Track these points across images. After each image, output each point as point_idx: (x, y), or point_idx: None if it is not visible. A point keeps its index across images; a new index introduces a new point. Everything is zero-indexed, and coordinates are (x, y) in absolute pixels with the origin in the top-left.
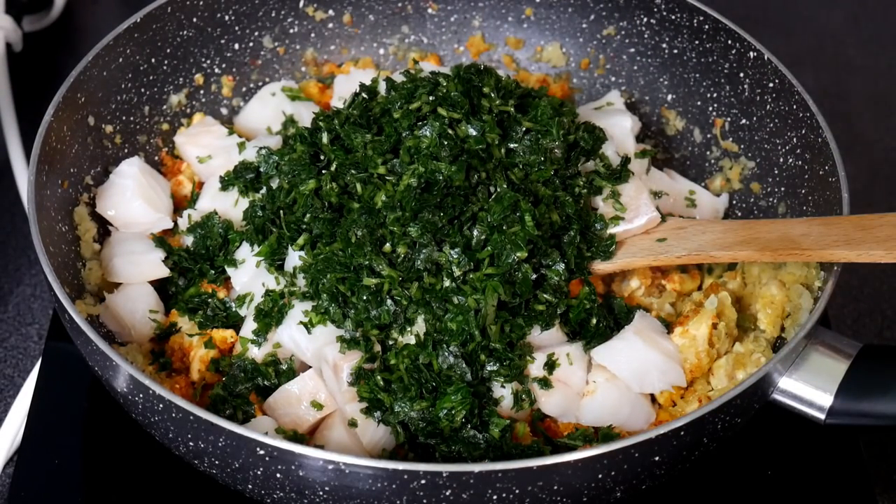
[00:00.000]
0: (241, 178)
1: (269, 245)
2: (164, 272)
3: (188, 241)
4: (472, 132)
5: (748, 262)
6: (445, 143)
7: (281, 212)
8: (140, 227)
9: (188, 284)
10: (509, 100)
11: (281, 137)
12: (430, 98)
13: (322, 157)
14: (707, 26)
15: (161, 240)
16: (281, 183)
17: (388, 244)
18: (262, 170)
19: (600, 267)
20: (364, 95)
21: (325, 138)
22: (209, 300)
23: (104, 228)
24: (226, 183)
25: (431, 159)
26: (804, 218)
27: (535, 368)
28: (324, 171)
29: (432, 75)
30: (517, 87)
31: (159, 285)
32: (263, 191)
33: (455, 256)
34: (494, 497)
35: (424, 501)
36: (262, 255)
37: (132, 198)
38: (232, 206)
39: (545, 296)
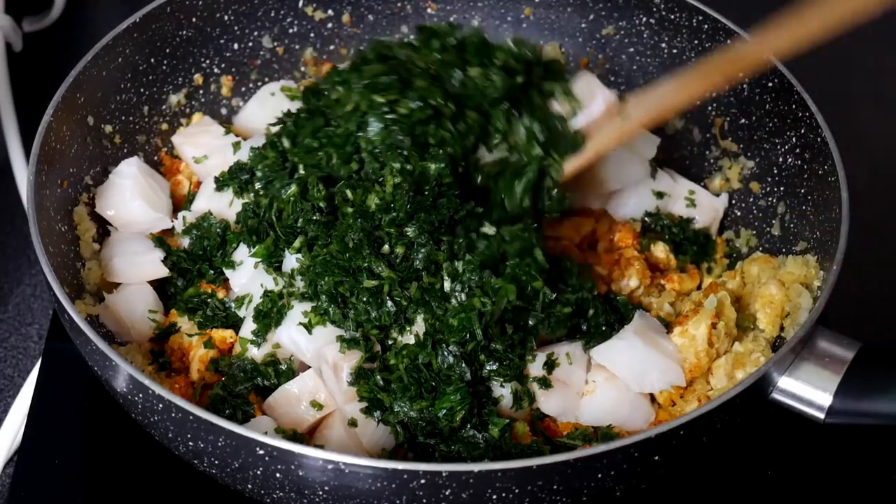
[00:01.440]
0: (236, 178)
1: (265, 247)
2: (163, 272)
3: (185, 242)
4: (414, 105)
5: (702, 96)
6: (395, 127)
7: (273, 216)
8: (139, 227)
9: (187, 285)
10: (443, 53)
11: None
12: (361, 86)
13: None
14: (707, 26)
15: (160, 240)
16: (260, 191)
17: (386, 245)
18: (255, 171)
19: (574, 165)
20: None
21: (286, 143)
22: (208, 300)
23: (104, 228)
24: (220, 184)
25: (402, 159)
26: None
27: (535, 368)
28: (295, 175)
29: (354, 62)
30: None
31: (159, 285)
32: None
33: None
34: (494, 497)
35: (424, 501)
36: (259, 257)
37: (132, 198)
38: (227, 207)
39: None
